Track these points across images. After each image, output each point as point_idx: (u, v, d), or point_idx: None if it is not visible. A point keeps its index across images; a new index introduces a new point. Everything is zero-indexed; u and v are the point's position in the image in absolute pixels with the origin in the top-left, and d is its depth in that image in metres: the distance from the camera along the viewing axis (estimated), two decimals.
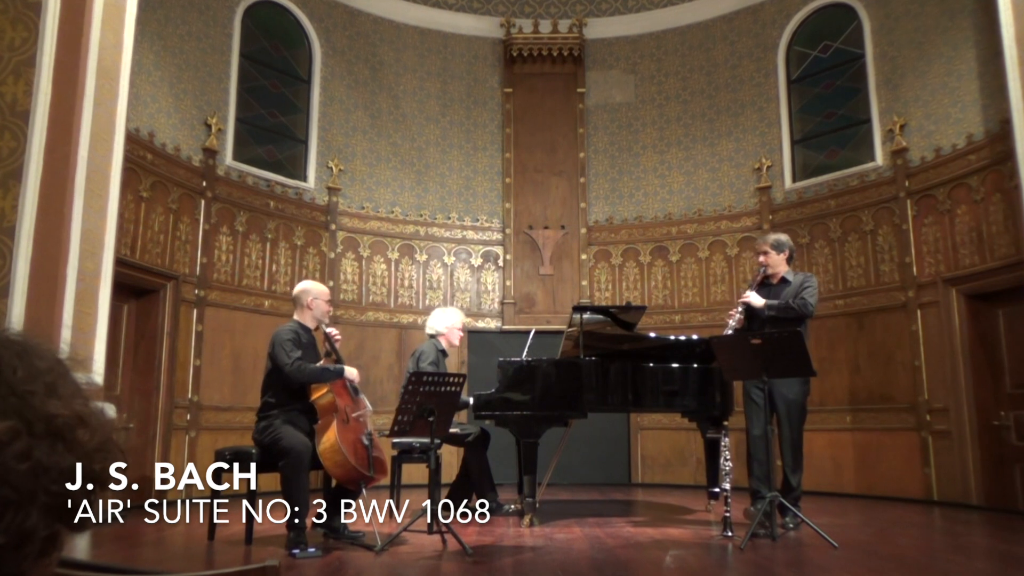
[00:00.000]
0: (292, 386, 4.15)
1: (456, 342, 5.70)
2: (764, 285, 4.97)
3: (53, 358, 0.70)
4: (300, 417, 4.16)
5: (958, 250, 6.59)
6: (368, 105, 8.74)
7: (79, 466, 0.66)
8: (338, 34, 8.64)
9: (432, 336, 5.65)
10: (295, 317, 4.44)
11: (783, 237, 5.11)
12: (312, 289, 4.48)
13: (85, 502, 0.67)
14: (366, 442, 4.11)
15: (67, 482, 0.65)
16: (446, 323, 5.64)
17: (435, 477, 4.29)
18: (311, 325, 4.43)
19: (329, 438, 3.98)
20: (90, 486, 0.67)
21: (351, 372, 4.31)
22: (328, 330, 4.43)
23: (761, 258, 4.96)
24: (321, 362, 4.28)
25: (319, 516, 4.29)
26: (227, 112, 7.52)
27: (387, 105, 8.85)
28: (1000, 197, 6.26)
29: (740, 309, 4.82)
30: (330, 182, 8.30)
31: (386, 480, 4.99)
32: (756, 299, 4.81)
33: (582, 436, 7.66)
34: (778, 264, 4.96)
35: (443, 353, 5.59)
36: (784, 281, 4.94)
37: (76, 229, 4.36)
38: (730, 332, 4.72)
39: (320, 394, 4.15)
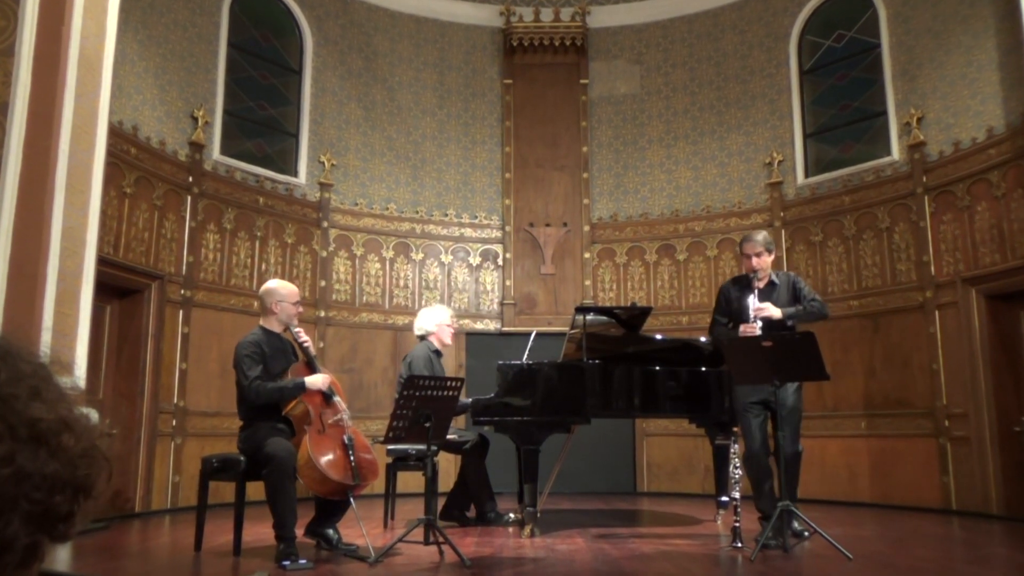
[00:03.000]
0: (255, 403, 4.12)
1: (448, 340, 5.67)
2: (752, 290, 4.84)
3: (37, 362, 0.70)
4: (280, 426, 4.14)
5: (978, 248, 6.59)
6: (362, 97, 8.75)
7: (62, 473, 0.66)
8: (330, 23, 8.65)
9: (422, 337, 5.63)
10: (260, 322, 4.36)
11: (768, 235, 5.02)
12: (277, 291, 4.36)
13: (68, 510, 0.68)
14: (348, 447, 4.08)
15: (50, 489, 0.65)
16: (435, 321, 5.62)
17: (431, 486, 4.28)
18: (277, 329, 4.34)
19: (302, 455, 3.95)
20: (74, 493, 0.68)
21: (315, 381, 4.18)
22: (295, 331, 4.33)
23: (755, 260, 4.72)
24: (290, 371, 4.23)
25: (311, 525, 4.28)
26: (214, 104, 7.52)
27: (382, 97, 8.85)
28: (1022, 193, 6.27)
29: (759, 324, 4.58)
30: (322, 177, 8.30)
31: (381, 488, 5.00)
32: (775, 311, 4.61)
33: (585, 443, 7.66)
34: (769, 266, 4.81)
35: (437, 353, 5.57)
36: (772, 283, 4.80)
37: (57, 226, 4.37)
38: None
39: (291, 405, 4.11)
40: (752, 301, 4.65)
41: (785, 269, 7.04)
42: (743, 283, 4.88)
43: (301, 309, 4.50)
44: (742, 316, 4.73)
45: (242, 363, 4.10)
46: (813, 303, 4.71)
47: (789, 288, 4.80)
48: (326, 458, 3.98)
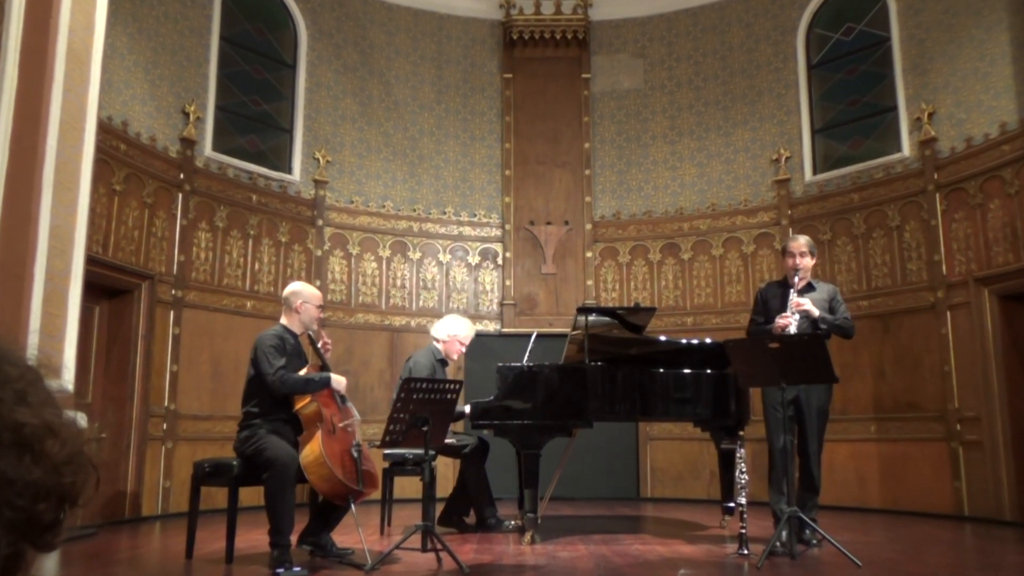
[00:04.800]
0: (276, 395, 4.15)
1: (455, 356, 5.70)
2: (789, 289, 4.92)
3: (24, 364, 0.70)
4: (285, 427, 4.17)
5: (990, 247, 6.59)
6: (358, 92, 8.75)
7: (46, 480, 0.66)
8: (325, 15, 8.65)
9: (435, 340, 5.66)
10: (282, 320, 4.43)
11: (811, 240, 5.14)
12: (303, 292, 4.45)
13: (53, 519, 0.67)
14: (355, 454, 4.11)
15: (33, 496, 0.65)
16: (448, 331, 5.63)
17: (429, 491, 4.28)
18: (298, 330, 4.41)
19: (314, 450, 3.98)
20: (59, 501, 0.67)
21: (338, 381, 4.29)
22: (313, 333, 4.43)
23: (798, 260, 4.85)
24: (305, 370, 4.28)
25: (306, 531, 4.28)
26: (206, 99, 7.52)
27: (378, 92, 8.85)
28: None
29: (797, 318, 4.68)
30: (317, 174, 8.30)
31: (377, 494, 5.00)
32: (814, 308, 4.72)
33: (587, 447, 7.65)
34: (809, 269, 4.95)
35: (442, 362, 5.59)
36: (810, 287, 4.92)
37: (44, 225, 4.36)
38: None
39: (304, 403, 4.13)
40: (792, 296, 4.76)
41: None
42: (782, 284, 5.01)
43: (322, 314, 4.57)
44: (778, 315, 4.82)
45: (267, 354, 4.14)
46: (847, 320, 4.86)
47: (827, 299, 4.91)
48: (336, 457, 4.01)
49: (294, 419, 4.18)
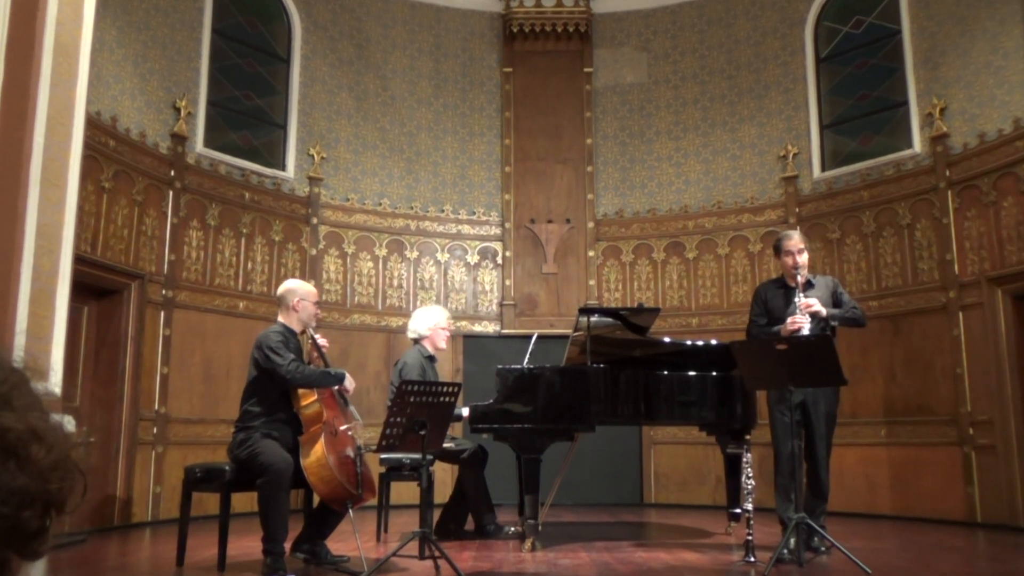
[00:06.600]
0: (282, 390, 4.17)
1: (443, 344, 5.66)
2: (790, 289, 4.90)
3: (9, 367, 0.70)
4: (284, 428, 4.17)
5: (1004, 246, 6.59)
6: (353, 86, 8.75)
7: (31, 486, 0.65)
8: (320, 8, 8.64)
9: (416, 341, 5.62)
10: (280, 319, 4.44)
11: (801, 234, 5.13)
12: (299, 289, 4.47)
13: (38, 526, 0.67)
14: (354, 458, 4.11)
15: (18, 504, 0.64)
16: (428, 324, 5.60)
17: (427, 497, 4.28)
18: (297, 329, 4.44)
19: (316, 451, 3.99)
20: (44, 508, 0.67)
21: (350, 380, 4.33)
22: (316, 336, 4.45)
23: (798, 258, 4.81)
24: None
25: (300, 539, 4.28)
26: (198, 94, 7.52)
27: (374, 86, 8.85)
28: None
29: (809, 321, 4.65)
30: (311, 171, 8.30)
31: (374, 500, 5.01)
32: (823, 308, 4.70)
33: (589, 451, 7.65)
34: (806, 265, 4.92)
35: (431, 360, 5.55)
36: (809, 284, 4.89)
37: (31, 223, 4.36)
38: None
39: (308, 402, 4.15)
40: (799, 297, 4.71)
41: None
42: (780, 284, 5.00)
43: (319, 311, 4.60)
44: (781, 316, 4.80)
45: (275, 348, 4.17)
46: (855, 310, 4.85)
47: (829, 292, 4.89)
48: (336, 460, 4.02)
49: (294, 419, 4.19)
